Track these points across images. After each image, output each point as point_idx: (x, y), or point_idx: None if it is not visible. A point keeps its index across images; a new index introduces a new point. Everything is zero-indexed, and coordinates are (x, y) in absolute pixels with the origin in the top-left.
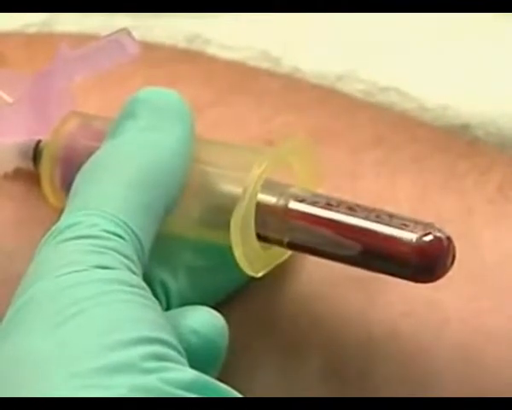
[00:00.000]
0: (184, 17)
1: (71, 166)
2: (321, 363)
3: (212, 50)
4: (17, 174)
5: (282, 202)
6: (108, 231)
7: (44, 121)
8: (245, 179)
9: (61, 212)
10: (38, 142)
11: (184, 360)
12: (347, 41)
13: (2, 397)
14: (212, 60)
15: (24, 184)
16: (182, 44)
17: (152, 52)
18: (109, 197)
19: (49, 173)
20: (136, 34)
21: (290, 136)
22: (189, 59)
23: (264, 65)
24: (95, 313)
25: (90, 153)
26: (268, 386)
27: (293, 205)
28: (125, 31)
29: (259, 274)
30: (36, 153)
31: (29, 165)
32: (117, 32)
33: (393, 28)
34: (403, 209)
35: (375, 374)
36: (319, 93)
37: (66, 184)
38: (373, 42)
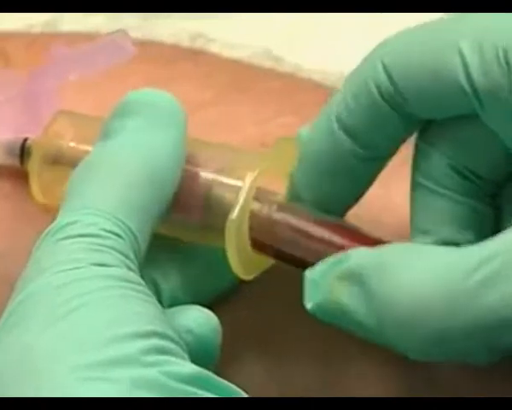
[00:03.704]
0: (188, 16)
1: (62, 165)
2: (315, 369)
3: (215, 49)
4: (3, 172)
5: (268, 210)
6: (106, 230)
7: (33, 119)
8: (239, 184)
9: (53, 211)
10: (25, 140)
11: (185, 354)
12: (350, 40)
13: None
14: (213, 58)
15: (10, 182)
16: (185, 43)
17: (152, 50)
18: (106, 197)
19: (37, 172)
20: (139, 34)
21: (285, 138)
22: (189, 57)
23: (267, 63)
24: (95, 308)
25: (81, 153)
26: (258, 387)
27: (278, 215)
28: (122, 32)
29: (250, 277)
30: (23, 151)
31: (15, 162)
32: (114, 32)
33: (397, 28)
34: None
35: (371, 377)
36: (321, 93)
37: (58, 184)
38: (376, 41)
